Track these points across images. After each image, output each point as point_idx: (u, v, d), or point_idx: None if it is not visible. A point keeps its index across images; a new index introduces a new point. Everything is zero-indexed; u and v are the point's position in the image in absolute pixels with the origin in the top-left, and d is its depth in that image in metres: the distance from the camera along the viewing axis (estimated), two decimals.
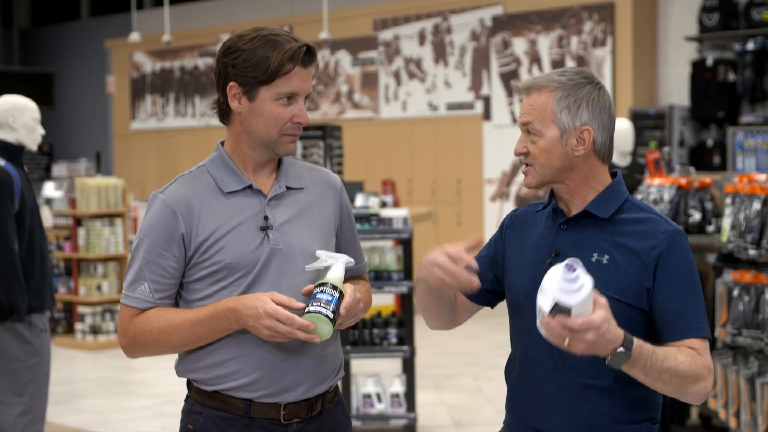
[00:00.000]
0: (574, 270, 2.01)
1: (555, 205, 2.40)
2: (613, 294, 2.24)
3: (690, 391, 2.23)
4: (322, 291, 2.33)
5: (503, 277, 2.46)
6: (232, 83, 2.41)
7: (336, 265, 2.39)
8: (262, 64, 2.36)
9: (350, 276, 2.59)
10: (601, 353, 2.10)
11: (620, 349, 2.09)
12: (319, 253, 2.42)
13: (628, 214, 2.34)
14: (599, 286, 2.22)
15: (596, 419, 2.28)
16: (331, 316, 2.31)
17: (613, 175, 2.40)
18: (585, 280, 2.03)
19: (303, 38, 2.42)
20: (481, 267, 2.41)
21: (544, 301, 2.05)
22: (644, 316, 2.29)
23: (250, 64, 2.37)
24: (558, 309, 2.02)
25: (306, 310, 2.32)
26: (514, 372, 2.41)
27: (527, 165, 2.35)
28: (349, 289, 2.38)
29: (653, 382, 2.19)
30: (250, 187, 2.46)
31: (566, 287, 2.01)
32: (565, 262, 2.02)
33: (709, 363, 2.25)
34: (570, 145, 2.32)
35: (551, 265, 2.25)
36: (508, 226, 2.50)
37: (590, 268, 2.25)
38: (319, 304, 2.31)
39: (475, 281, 2.22)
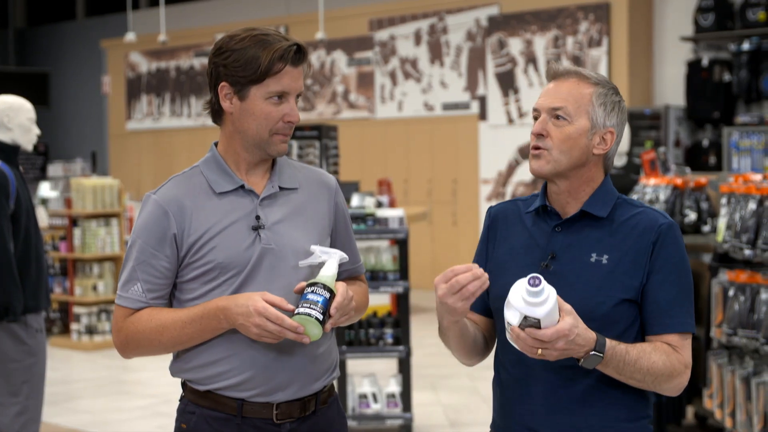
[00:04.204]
0: (539, 283, 2.06)
1: (549, 207, 2.38)
2: (616, 293, 2.26)
3: (665, 387, 2.27)
4: (312, 291, 2.33)
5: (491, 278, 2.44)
6: (223, 83, 2.42)
7: (329, 262, 2.39)
8: (253, 64, 2.37)
9: (346, 277, 2.59)
10: (574, 356, 2.16)
11: (593, 352, 2.15)
12: (314, 248, 2.42)
13: (624, 211, 2.35)
14: (600, 285, 2.26)
15: (593, 418, 2.29)
16: (321, 317, 2.31)
17: None
18: (549, 291, 2.09)
19: (294, 38, 2.43)
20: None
21: (511, 315, 2.12)
22: None
23: (241, 64, 2.37)
24: (527, 322, 2.09)
25: (295, 312, 2.32)
26: (506, 373, 2.39)
27: (540, 149, 2.31)
28: (341, 287, 2.37)
29: (627, 380, 2.23)
30: (242, 187, 2.46)
31: (532, 300, 2.07)
32: (529, 276, 2.08)
33: (685, 359, 2.27)
34: (594, 141, 2.32)
35: (548, 268, 2.29)
36: (490, 226, 2.48)
37: (589, 268, 2.28)
38: (308, 305, 2.31)
39: (485, 277, 2.19)
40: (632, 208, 2.36)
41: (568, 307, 2.11)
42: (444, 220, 12.59)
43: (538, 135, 2.32)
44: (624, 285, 2.27)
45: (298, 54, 2.41)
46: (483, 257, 2.46)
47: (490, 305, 2.44)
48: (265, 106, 2.40)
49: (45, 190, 11.69)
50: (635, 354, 2.20)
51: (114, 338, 2.48)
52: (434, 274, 12.87)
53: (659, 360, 2.22)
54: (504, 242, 2.43)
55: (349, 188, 7.84)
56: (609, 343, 2.17)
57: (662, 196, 5.90)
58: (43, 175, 15.69)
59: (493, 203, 2.52)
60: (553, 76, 2.35)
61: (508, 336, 2.14)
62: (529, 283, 2.06)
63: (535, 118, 2.35)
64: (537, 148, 2.32)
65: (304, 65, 2.44)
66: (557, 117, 2.30)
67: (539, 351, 2.10)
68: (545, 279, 2.27)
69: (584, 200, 2.35)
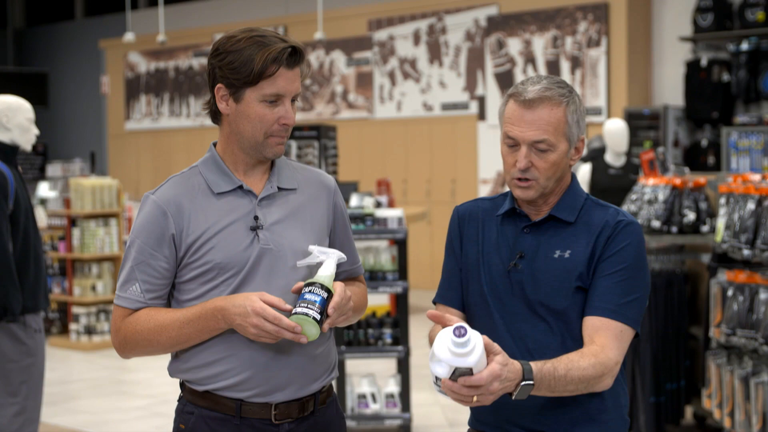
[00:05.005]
0: (465, 333, 2.02)
1: (519, 210, 2.42)
2: (575, 283, 2.33)
3: (596, 388, 2.28)
4: (310, 291, 2.33)
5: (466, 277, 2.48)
6: (219, 85, 2.41)
7: (327, 262, 2.39)
8: (247, 66, 2.35)
9: (345, 278, 2.59)
10: (507, 392, 2.13)
11: (523, 383, 2.13)
12: (312, 248, 2.42)
13: (590, 210, 2.40)
14: (560, 278, 2.32)
15: (579, 413, 2.35)
16: (318, 317, 2.31)
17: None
18: (476, 339, 2.05)
19: (292, 39, 2.41)
20: (456, 281, 2.48)
21: (440, 369, 2.07)
22: None
23: (236, 66, 2.36)
24: (458, 372, 2.05)
25: (293, 312, 2.32)
26: None
27: (528, 180, 2.34)
28: (338, 287, 2.37)
29: (561, 393, 2.23)
30: (240, 187, 2.46)
31: (460, 351, 2.03)
32: (453, 327, 2.03)
33: (615, 355, 2.28)
34: (570, 155, 2.38)
35: (515, 267, 2.34)
36: (460, 224, 2.50)
37: (553, 264, 2.34)
38: (306, 305, 2.31)
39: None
40: (599, 208, 2.41)
41: (497, 347, 2.10)
42: (443, 220, 12.58)
43: (526, 169, 2.33)
44: (580, 274, 2.33)
45: (294, 56, 2.38)
46: (457, 255, 2.49)
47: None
48: (259, 109, 2.39)
49: (44, 190, 11.69)
50: (563, 368, 2.20)
51: (113, 338, 2.48)
52: (433, 274, 12.88)
53: (588, 365, 2.23)
54: (474, 241, 2.46)
55: (348, 188, 7.84)
56: (534, 366, 2.16)
57: (661, 197, 5.90)
58: (41, 176, 15.68)
59: None
60: (525, 104, 2.33)
61: (436, 389, 2.11)
62: (454, 334, 2.02)
63: (510, 145, 2.36)
64: (525, 179, 2.35)
65: (301, 67, 2.42)
66: (541, 150, 2.33)
67: (475, 398, 2.07)
68: (514, 278, 2.33)
69: (554, 202, 2.40)
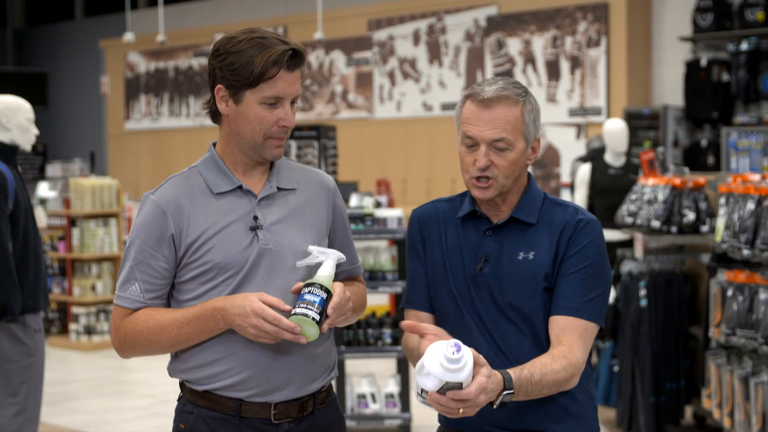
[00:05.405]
0: (460, 349, 2.04)
1: (479, 212, 2.43)
2: (543, 283, 2.35)
3: (566, 387, 2.33)
4: (309, 291, 2.33)
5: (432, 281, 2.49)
6: (219, 85, 2.41)
7: (326, 262, 2.39)
8: (247, 68, 2.35)
9: (344, 278, 2.59)
10: (489, 401, 2.16)
11: (505, 392, 2.17)
12: (311, 248, 2.42)
13: (550, 209, 2.42)
14: (527, 280, 2.35)
15: (554, 408, 2.38)
16: (317, 318, 2.31)
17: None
18: (467, 355, 2.07)
19: (292, 41, 2.41)
20: (422, 284, 2.48)
21: (429, 382, 2.08)
22: None
23: (236, 68, 2.36)
24: (448, 387, 2.07)
25: (292, 312, 2.32)
26: None
27: (488, 179, 2.36)
28: (338, 288, 2.37)
29: (535, 396, 2.27)
30: (240, 187, 2.46)
31: (453, 367, 2.05)
32: (449, 344, 2.05)
33: (582, 354, 2.33)
34: (527, 154, 2.40)
35: (481, 271, 2.36)
36: (420, 228, 2.51)
37: (518, 266, 2.36)
38: (305, 305, 2.31)
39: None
40: (558, 207, 2.43)
41: (482, 359, 2.12)
42: None
43: (485, 168, 2.34)
44: (546, 275, 2.36)
45: (294, 59, 2.38)
46: (421, 258, 2.50)
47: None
48: (259, 111, 2.39)
49: (43, 190, 11.69)
50: (539, 373, 2.24)
51: (112, 338, 2.48)
52: None
53: (560, 368, 2.27)
54: (438, 244, 2.47)
55: (348, 188, 7.84)
56: (513, 374, 2.19)
57: (661, 197, 5.90)
58: (41, 176, 15.68)
59: None
60: (482, 104, 2.35)
61: (420, 400, 2.13)
62: (450, 351, 2.04)
63: (468, 146, 2.37)
64: (485, 178, 2.36)
65: (301, 69, 2.42)
66: (499, 149, 2.34)
67: (461, 410, 2.10)
68: (481, 281, 2.35)
69: (513, 203, 2.42)
